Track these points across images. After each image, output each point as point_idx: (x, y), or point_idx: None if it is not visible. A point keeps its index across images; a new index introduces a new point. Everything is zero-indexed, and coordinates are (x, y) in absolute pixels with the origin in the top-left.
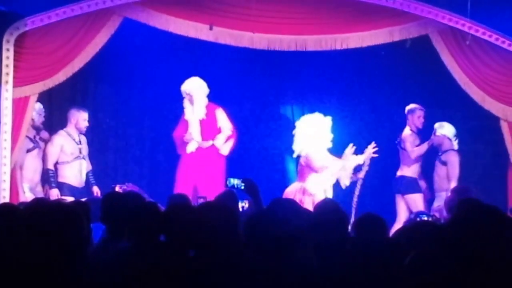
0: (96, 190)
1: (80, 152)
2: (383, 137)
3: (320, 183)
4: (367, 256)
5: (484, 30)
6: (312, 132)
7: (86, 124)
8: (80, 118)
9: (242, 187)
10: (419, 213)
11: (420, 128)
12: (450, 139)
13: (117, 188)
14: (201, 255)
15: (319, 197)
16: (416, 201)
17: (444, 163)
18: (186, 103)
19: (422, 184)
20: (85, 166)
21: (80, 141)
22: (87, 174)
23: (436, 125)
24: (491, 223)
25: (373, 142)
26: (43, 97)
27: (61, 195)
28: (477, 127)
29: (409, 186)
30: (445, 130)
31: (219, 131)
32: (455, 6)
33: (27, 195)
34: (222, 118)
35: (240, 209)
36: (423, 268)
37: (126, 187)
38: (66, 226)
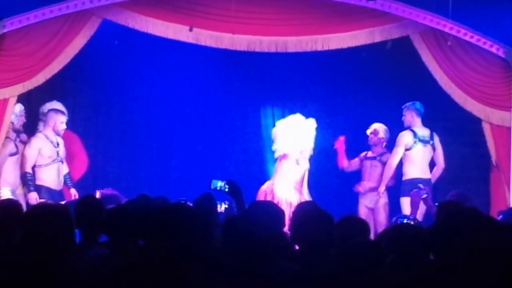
0: (73, 192)
1: (58, 155)
2: (365, 138)
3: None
4: (349, 259)
5: (465, 31)
6: (295, 133)
7: (64, 126)
8: (57, 121)
9: (226, 189)
10: (399, 216)
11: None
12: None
13: (98, 194)
14: (179, 257)
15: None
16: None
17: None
18: (40, 125)
19: None
20: (61, 168)
21: (58, 144)
22: (64, 177)
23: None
24: (470, 225)
25: None
26: (22, 99)
27: (39, 198)
28: (459, 128)
29: None
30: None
31: (68, 156)
32: (437, 7)
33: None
34: (76, 145)
35: (223, 210)
36: (403, 270)
37: (105, 192)
38: (60, 227)
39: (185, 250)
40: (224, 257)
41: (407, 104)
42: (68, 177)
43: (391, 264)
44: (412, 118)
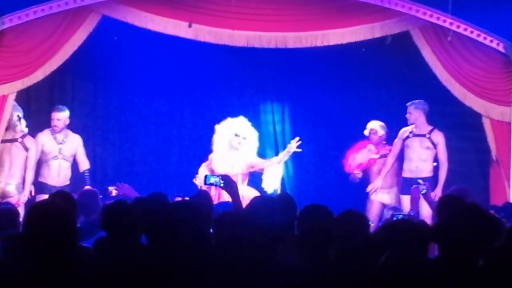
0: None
1: (60, 152)
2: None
3: None
4: (350, 254)
5: (465, 26)
6: (222, 136)
7: (61, 124)
8: (54, 117)
9: (221, 185)
10: (395, 212)
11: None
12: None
13: (112, 189)
14: (178, 254)
15: None
16: None
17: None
18: None
19: None
20: (64, 166)
21: (63, 141)
22: (83, 173)
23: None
24: (471, 221)
25: (297, 138)
26: (21, 96)
27: (36, 194)
28: (459, 124)
29: None
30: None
31: None
32: (436, 2)
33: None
34: None
35: None
36: (400, 266)
37: (118, 188)
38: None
39: (185, 247)
40: (222, 251)
41: (415, 102)
42: (87, 173)
43: (386, 260)
44: (420, 117)
